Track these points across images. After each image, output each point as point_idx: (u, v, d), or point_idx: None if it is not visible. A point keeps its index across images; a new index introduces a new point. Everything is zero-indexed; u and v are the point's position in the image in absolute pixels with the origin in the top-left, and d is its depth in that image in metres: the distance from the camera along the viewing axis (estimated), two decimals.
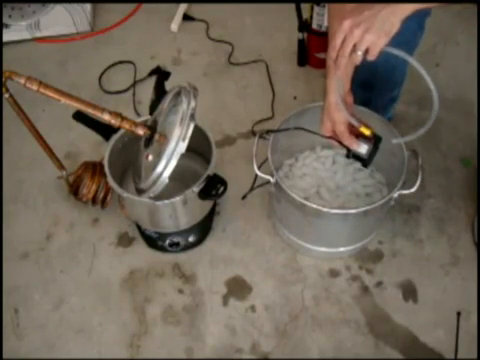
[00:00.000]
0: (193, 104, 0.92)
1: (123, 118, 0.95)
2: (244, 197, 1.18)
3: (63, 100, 0.91)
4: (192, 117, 0.91)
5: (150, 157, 0.98)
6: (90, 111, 0.93)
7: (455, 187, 1.34)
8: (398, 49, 0.85)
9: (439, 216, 1.28)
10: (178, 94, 0.98)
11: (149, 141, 1.00)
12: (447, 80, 1.58)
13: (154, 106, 1.06)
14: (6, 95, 0.95)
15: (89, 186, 1.24)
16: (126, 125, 0.95)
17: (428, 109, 1.59)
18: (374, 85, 1.24)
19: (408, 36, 1.11)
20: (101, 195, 1.26)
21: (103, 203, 1.28)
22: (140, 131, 0.97)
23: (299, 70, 1.64)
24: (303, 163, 1.27)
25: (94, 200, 1.27)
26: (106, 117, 0.93)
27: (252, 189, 1.14)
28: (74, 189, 1.26)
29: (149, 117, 1.07)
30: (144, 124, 0.99)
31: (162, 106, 1.02)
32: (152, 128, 0.98)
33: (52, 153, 1.15)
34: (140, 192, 1.01)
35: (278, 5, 1.79)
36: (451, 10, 1.76)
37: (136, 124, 0.97)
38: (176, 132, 0.90)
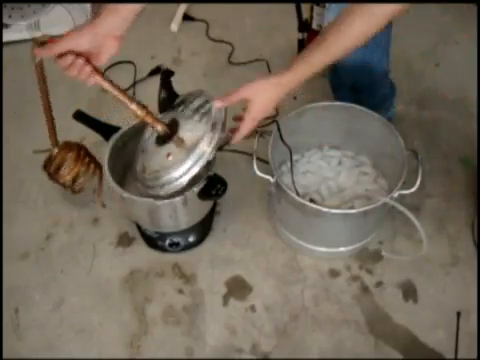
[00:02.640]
0: (224, 114, 0.95)
1: (148, 112, 0.96)
2: None
3: (97, 78, 0.89)
4: (223, 126, 0.94)
5: (171, 157, 0.97)
6: (120, 97, 0.92)
7: (455, 187, 1.34)
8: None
9: (439, 216, 1.28)
10: (206, 102, 0.98)
11: (164, 139, 0.99)
12: (447, 80, 1.58)
13: (164, 104, 1.05)
14: (37, 59, 0.90)
15: (72, 168, 1.14)
16: (149, 119, 0.96)
17: (428, 109, 1.60)
18: (361, 87, 1.26)
19: (375, 35, 1.12)
20: (80, 180, 1.16)
21: (79, 189, 1.18)
22: (159, 128, 0.97)
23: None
24: (308, 160, 1.27)
25: (71, 184, 1.16)
26: (133, 106, 0.93)
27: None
28: (54, 168, 1.15)
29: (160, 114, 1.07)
30: (165, 122, 0.99)
31: (183, 109, 1.01)
32: (172, 128, 0.98)
33: (53, 126, 1.08)
34: (148, 188, 1.00)
35: (278, 5, 1.79)
36: (451, 10, 1.76)
37: (158, 120, 0.97)
38: (206, 139, 0.92)
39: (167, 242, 1.22)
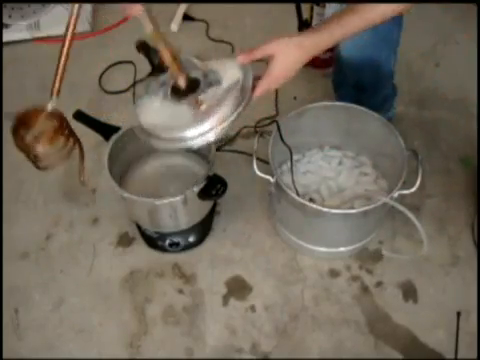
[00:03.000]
0: (251, 80, 0.90)
1: (176, 58, 0.89)
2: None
3: (139, 8, 0.86)
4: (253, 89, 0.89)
5: (203, 107, 0.89)
6: (156, 36, 0.88)
7: (455, 187, 1.34)
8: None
9: (439, 216, 1.28)
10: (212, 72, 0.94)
11: (180, 95, 0.92)
12: (447, 80, 1.58)
13: (159, 69, 0.99)
14: None
15: (51, 137, 0.96)
16: (175, 67, 0.89)
17: (428, 109, 1.60)
18: (365, 85, 1.26)
19: (384, 33, 1.13)
20: (53, 156, 0.99)
21: (45, 166, 1.01)
22: (181, 81, 0.91)
23: (299, 70, 1.64)
24: (309, 160, 1.27)
25: (36, 155, 0.99)
26: (161, 47, 0.88)
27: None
28: (25, 128, 0.97)
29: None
30: (187, 76, 0.92)
31: (204, 70, 0.95)
32: (193, 85, 0.92)
33: (62, 77, 0.99)
34: (152, 137, 0.93)
35: (278, 5, 1.79)
36: (451, 10, 1.76)
37: (183, 72, 0.90)
38: (229, 104, 0.87)
39: (167, 242, 1.22)
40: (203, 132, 0.87)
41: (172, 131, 0.91)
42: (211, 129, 0.87)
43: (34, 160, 1.00)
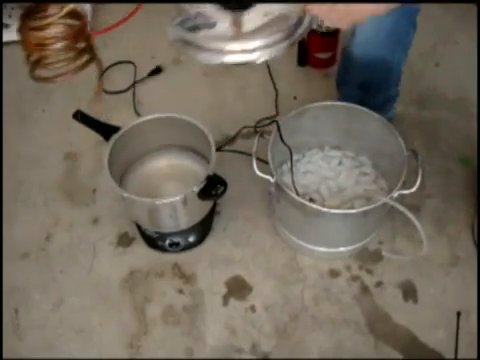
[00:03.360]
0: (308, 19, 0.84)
1: None
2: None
3: None
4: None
5: (254, 25, 0.81)
6: None
7: (455, 187, 1.34)
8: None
9: (439, 216, 1.28)
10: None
11: (230, 6, 0.83)
12: (447, 80, 1.58)
13: None
14: None
15: (69, 38, 0.82)
16: None
17: (428, 109, 1.60)
18: (371, 85, 1.25)
19: (401, 34, 1.12)
20: (58, 64, 0.82)
21: (41, 76, 0.82)
22: None
23: (299, 70, 1.65)
24: (309, 160, 1.27)
25: (45, 56, 0.80)
26: None
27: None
28: (41, 19, 0.76)
29: None
30: None
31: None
32: (246, 3, 0.83)
33: None
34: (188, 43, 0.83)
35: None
36: (451, 10, 1.76)
37: None
38: (288, 28, 0.80)
39: (167, 242, 1.21)
40: (249, 49, 0.79)
41: (214, 41, 0.80)
42: (258, 48, 0.79)
43: (37, 62, 0.80)
